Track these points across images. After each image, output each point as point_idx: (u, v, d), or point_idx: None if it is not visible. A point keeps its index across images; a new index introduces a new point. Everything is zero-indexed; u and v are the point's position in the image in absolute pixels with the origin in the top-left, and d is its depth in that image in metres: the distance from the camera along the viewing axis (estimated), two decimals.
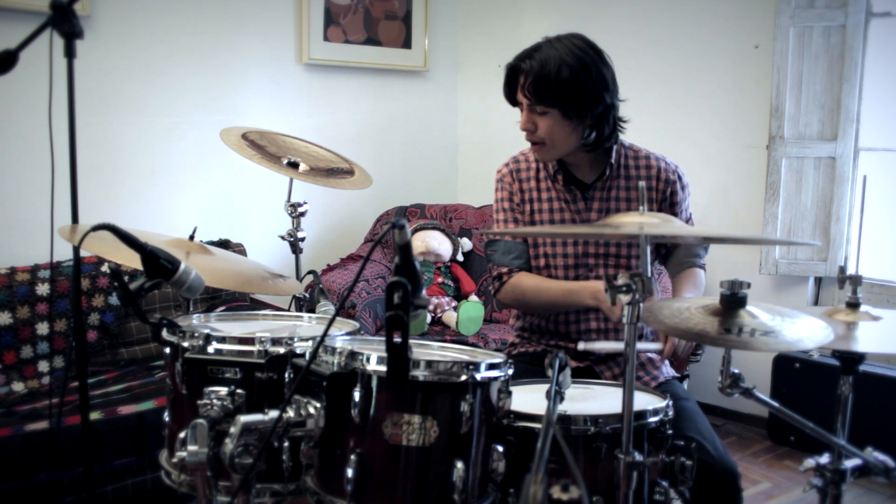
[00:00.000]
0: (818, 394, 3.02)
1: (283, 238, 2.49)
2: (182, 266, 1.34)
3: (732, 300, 1.24)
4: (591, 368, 1.89)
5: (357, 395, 1.15)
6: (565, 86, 1.75)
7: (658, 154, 1.98)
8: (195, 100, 3.36)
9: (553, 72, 1.74)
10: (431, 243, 3.56)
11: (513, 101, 1.88)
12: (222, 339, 1.35)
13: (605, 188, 1.92)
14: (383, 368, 1.14)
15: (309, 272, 1.94)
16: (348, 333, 1.46)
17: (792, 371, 3.18)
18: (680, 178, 1.96)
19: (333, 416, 1.17)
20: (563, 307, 1.89)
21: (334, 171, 2.58)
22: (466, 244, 3.74)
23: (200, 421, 1.12)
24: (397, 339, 1.05)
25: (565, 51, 1.76)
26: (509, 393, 1.25)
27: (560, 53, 1.76)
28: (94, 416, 2.28)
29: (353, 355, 1.17)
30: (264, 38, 3.57)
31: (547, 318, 1.95)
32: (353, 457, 1.14)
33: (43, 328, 2.75)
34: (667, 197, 1.94)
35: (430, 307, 3.48)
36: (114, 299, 2.90)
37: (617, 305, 1.54)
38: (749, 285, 1.25)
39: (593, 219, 1.91)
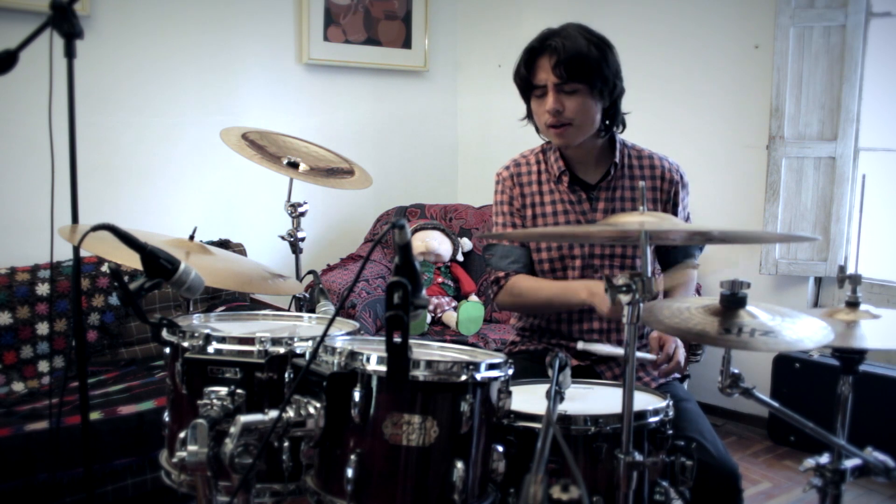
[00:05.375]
0: (818, 394, 3.02)
1: (283, 238, 2.49)
2: (182, 266, 1.34)
3: (732, 300, 1.24)
4: (591, 368, 1.89)
5: (357, 395, 1.15)
6: (595, 62, 1.78)
7: (660, 154, 1.98)
8: (195, 100, 3.36)
9: (584, 48, 1.78)
10: (431, 243, 3.55)
11: (527, 86, 1.85)
12: (222, 339, 1.35)
13: (609, 188, 1.92)
14: (383, 368, 1.14)
15: (309, 272, 1.94)
16: (348, 333, 1.46)
17: (792, 371, 3.18)
18: (682, 177, 1.98)
19: (333, 416, 1.17)
20: (559, 305, 1.88)
21: (334, 171, 2.58)
22: (466, 244, 3.73)
23: (200, 421, 1.12)
24: (397, 339, 1.05)
25: (585, 33, 1.81)
26: (509, 393, 1.25)
27: (582, 35, 1.80)
28: (94, 416, 2.28)
29: (353, 355, 1.17)
30: (264, 38, 3.56)
31: (548, 318, 1.95)
32: (353, 457, 1.14)
33: (43, 328, 2.75)
34: (671, 197, 1.95)
35: (430, 307, 3.48)
36: (114, 299, 2.90)
37: (610, 301, 1.52)
38: (749, 285, 1.25)
39: (598, 219, 1.91)
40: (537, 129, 1.96)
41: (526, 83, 1.84)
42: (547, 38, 1.80)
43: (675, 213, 1.95)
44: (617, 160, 1.92)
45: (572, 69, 1.76)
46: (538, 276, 1.94)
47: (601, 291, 1.68)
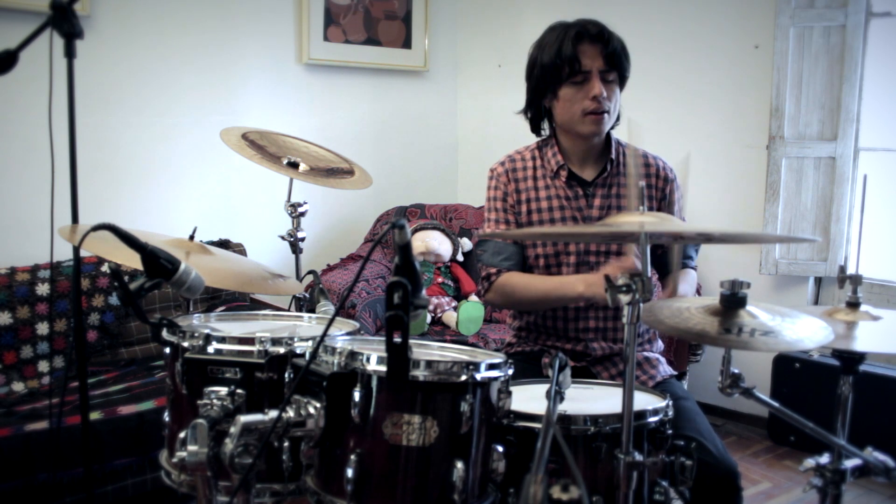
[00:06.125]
0: (818, 394, 3.02)
1: (283, 238, 2.49)
2: (182, 266, 1.34)
3: (732, 300, 1.24)
4: (587, 369, 1.89)
5: (357, 395, 1.15)
6: (628, 55, 1.86)
7: (652, 153, 1.99)
8: (195, 100, 3.35)
9: (622, 40, 1.85)
10: (431, 243, 3.55)
11: (570, 70, 1.80)
12: (222, 339, 1.35)
13: (605, 185, 1.92)
14: (383, 368, 1.14)
15: (309, 272, 1.94)
16: (348, 333, 1.46)
17: (792, 371, 3.18)
18: (674, 175, 1.99)
19: (333, 416, 1.17)
20: (555, 300, 1.86)
21: (334, 171, 2.58)
22: (466, 244, 3.73)
23: (200, 421, 1.12)
24: (397, 339, 1.05)
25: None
26: (509, 393, 1.25)
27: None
28: (94, 416, 2.28)
29: (353, 355, 1.17)
30: (264, 38, 3.57)
31: (544, 316, 1.94)
32: (353, 457, 1.14)
33: (43, 328, 2.75)
34: (666, 195, 1.95)
35: (430, 307, 3.48)
36: (114, 299, 2.90)
37: (610, 301, 1.50)
38: (749, 285, 1.25)
39: (594, 216, 1.91)
40: (538, 121, 1.96)
41: (572, 66, 1.80)
42: (586, 25, 1.82)
43: (670, 212, 1.96)
44: (613, 157, 1.92)
45: (616, 58, 1.82)
46: (533, 271, 1.94)
47: (598, 281, 1.67)
